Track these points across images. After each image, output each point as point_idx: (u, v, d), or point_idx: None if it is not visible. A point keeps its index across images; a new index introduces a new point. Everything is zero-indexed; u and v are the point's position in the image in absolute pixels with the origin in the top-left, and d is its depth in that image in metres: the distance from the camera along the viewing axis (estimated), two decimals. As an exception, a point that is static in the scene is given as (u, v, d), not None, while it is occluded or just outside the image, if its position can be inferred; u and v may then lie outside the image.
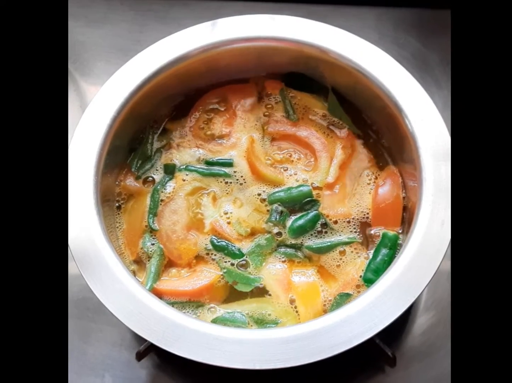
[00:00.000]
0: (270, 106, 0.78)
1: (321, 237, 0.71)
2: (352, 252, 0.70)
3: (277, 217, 0.72)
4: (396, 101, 0.68)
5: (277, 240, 0.71)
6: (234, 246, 0.71)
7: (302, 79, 0.77)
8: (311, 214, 0.71)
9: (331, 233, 0.71)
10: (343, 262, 0.70)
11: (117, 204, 0.73)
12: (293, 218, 0.72)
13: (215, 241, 0.71)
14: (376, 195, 0.72)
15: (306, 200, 0.72)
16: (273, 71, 0.78)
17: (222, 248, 0.70)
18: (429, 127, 0.67)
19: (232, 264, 0.70)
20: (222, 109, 0.78)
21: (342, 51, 0.71)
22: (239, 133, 0.76)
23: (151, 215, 0.72)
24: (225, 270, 0.69)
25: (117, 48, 0.92)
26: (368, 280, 0.68)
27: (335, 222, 0.72)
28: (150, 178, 0.75)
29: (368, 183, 0.74)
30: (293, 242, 0.71)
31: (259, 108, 0.78)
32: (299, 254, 0.70)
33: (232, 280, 0.69)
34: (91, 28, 0.94)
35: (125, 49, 0.92)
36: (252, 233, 0.72)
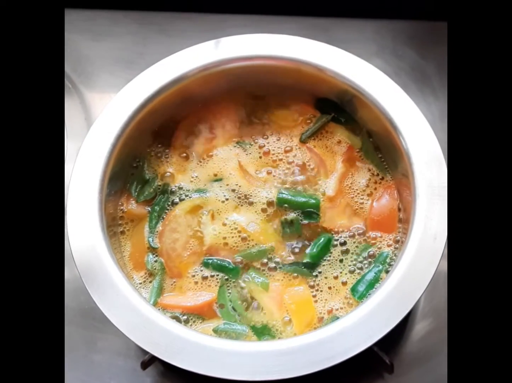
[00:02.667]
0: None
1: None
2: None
3: (289, 229, 0.73)
4: (390, 118, 0.70)
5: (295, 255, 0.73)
6: (229, 265, 0.72)
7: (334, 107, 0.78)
8: (323, 240, 0.73)
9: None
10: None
11: (121, 229, 0.75)
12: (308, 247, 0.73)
13: (209, 261, 0.72)
14: (372, 208, 0.74)
15: (309, 209, 0.74)
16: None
17: (218, 267, 0.72)
18: (423, 144, 0.69)
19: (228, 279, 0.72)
20: (207, 129, 0.79)
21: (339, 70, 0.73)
22: (225, 149, 0.78)
23: (151, 235, 0.74)
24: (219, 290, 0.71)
25: (121, 61, 0.94)
26: (356, 290, 0.70)
27: (336, 232, 0.74)
28: (149, 200, 0.76)
29: (369, 195, 0.75)
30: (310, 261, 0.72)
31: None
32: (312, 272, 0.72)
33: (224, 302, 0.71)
34: (95, 42, 0.96)
35: (129, 62, 0.94)
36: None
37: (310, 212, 0.74)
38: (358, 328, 0.61)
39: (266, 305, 0.70)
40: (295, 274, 0.72)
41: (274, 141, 0.79)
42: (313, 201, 0.74)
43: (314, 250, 0.72)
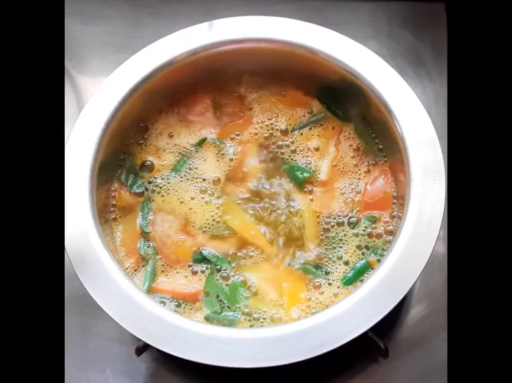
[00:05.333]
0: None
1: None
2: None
3: None
4: (385, 101, 0.69)
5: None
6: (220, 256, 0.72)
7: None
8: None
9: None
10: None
11: (113, 216, 0.74)
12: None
13: (199, 256, 0.72)
14: (365, 191, 0.73)
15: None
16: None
17: (208, 260, 0.72)
18: (418, 127, 0.68)
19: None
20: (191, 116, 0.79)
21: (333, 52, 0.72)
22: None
23: (143, 221, 0.73)
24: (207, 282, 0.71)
25: (112, 45, 0.93)
26: (344, 276, 0.70)
27: (329, 217, 0.73)
28: (140, 189, 0.75)
29: (363, 175, 0.74)
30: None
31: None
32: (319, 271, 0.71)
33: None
34: (86, 25, 0.94)
35: (120, 45, 0.92)
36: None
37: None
38: (353, 314, 0.61)
39: (262, 288, 0.70)
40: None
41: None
42: (301, 176, 0.74)
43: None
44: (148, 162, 0.76)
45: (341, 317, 0.61)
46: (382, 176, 0.74)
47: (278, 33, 0.73)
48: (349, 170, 0.75)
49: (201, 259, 0.72)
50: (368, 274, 0.70)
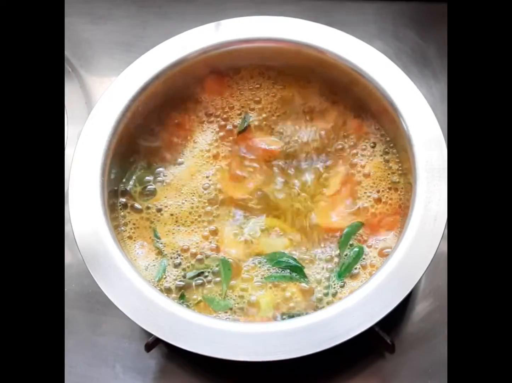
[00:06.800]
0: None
1: None
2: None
3: None
4: (391, 100, 0.70)
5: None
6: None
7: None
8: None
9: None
10: None
11: (123, 213, 0.74)
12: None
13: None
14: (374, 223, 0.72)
15: None
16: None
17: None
18: (424, 126, 0.69)
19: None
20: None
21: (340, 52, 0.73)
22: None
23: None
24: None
25: (121, 44, 0.94)
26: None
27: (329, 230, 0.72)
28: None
29: (369, 195, 0.74)
30: None
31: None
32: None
33: None
34: (95, 25, 0.95)
35: (128, 45, 0.93)
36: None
37: None
38: (360, 309, 0.62)
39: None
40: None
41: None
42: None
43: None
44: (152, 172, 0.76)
45: (349, 312, 0.62)
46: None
47: (285, 33, 0.74)
48: (358, 188, 0.74)
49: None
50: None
